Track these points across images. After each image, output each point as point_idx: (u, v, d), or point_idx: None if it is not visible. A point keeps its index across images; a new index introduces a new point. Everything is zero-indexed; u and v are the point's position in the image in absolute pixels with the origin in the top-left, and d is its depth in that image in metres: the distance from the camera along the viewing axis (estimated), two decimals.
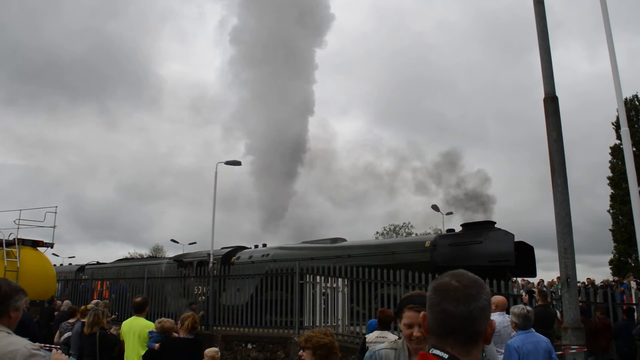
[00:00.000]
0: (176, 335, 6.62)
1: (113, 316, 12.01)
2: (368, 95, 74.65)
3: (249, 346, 13.92)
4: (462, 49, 72.48)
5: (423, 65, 74.39)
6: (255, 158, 29.62)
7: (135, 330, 6.91)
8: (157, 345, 6.54)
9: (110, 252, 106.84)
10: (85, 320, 7.90)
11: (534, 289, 18.35)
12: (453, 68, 73.46)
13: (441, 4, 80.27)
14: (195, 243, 43.68)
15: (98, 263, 29.95)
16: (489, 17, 76.32)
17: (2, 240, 15.50)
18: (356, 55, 72.66)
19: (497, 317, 7.14)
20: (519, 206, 67.64)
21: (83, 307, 8.82)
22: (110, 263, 28.74)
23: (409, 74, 74.16)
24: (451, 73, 73.66)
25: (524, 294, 16.60)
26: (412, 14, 76.65)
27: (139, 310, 7.17)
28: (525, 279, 18.68)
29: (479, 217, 17.84)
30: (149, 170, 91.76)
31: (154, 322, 7.49)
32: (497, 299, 7.50)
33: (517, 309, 5.07)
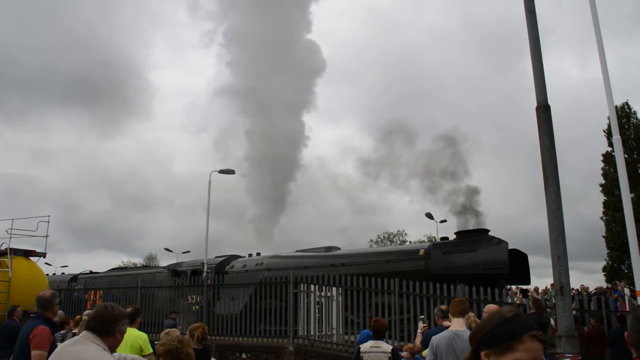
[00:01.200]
0: None
1: None
2: (360, 102, 74.85)
3: (243, 356, 13.85)
4: (453, 56, 72.86)
5: (415, 73, 74.61)
6: (250, 165, 29.58)
7: (127, 341, 6.83)
8: None
9: (103, 261, 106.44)
10: (75, 330, 7.83)
11: (527, 289, 18.38)
12: (445, 75, 73.78)
13: (432, 12, 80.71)
14: (189, 252, 43.62)
15: (91, 272, 29.75)
16: (479, 24, 76.84)
17: None
18: (348, 63, 72.92)
19: None
20: (512, 213, 67.87)
21: (78, 317, 8.75)
22: (103, 272, 28.56)
23: (401, 81, 74.39)
24: (443, 80, 73.99)
25: (518, 293, 16.60)
26: (404, 22, 77.03)
27: (130, 321, 7.10)
28: (519, 286, 18.69)
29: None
30: (142, 178, 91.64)
31: (146, 332, 7.43)
32: (489, 307, 7.50)
33: None
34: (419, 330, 8.44)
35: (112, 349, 3.12)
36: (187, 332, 6.39)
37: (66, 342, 3.15)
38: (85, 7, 75.27)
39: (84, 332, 3.06)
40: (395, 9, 73.76)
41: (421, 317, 9.17)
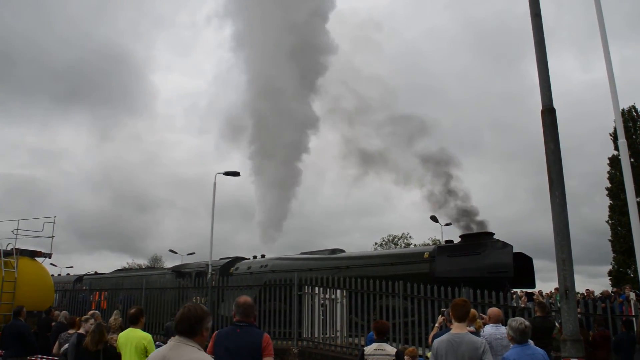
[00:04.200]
0: None
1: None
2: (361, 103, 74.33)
3: None
4: (453, 57, 72.57)
5: (414, 73, 74.09)
6: (255, 164, 29.39)
7: (132, 341, 6.87)
8: None
9: (107, 262, 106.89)
10: (81, 331, 7.85)
11: (532, 292, 18.31)
12: (445, 76, 73.44)
13: (431, 11, 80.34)
14: (193, 253, 43.78)
15: (96, 273, 29.88)
16: (478, 24, 76.57)
17: (0, 250, 15.46)
18: (349, 63, 72.44)
19: (489, 329, 7.15)
20: (516, 216, 67.65)
21: (77, 318, 8.78)
22: (108, 273, 28.67)
23: (402, 82, 73.97)
24: (443, 81, 73.63)
25: (523, 297, 16.56)
26: (403, 21, 76.70)
27: (134, 322, 7.13)
28: (524, 290, 18.65)
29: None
30: (146, 179, 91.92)
31: (151, 333, 7.45)
32: (491, 311, 7.52)
33: (514, 322, 5.03)
34: (436, 325, 8.46)
35: (202, 346, 3.32)
36: None
37: (160, 349, 3.29)
38: (86, 7, 75.79)
39: (175, 337, 3.25)
40: (395, 10, 73.45)
41: (442, 310, 9.16)
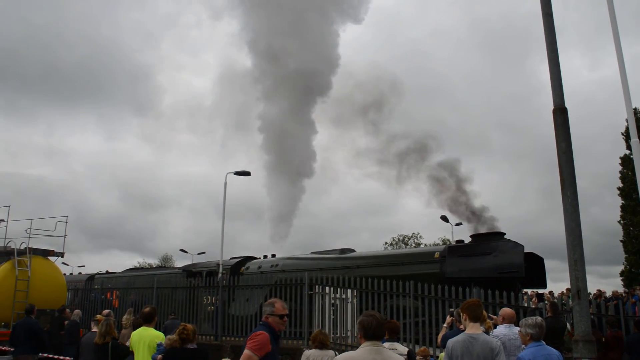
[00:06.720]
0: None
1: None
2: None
3: None
4: (458, 56, 72.05)
5: (420, 73, 73.70)
6: (267, 160, 29.35)
7: (145, 340, 6.94)
8: (159, 356, 6.59)
9: (117, 262, 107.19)
10: (95, 329, 7.95)
11: (543, 292, 18.22)
12: (451, 75, 72.96)
13: (436, 11, 79.85)
14: (204, 253, 43.97)
15: (107, 272, 30.06)
16: (484, 24, 76.03)
17: (13, 249, 15.64)
18: (352, 62, 72.31)
19: (502, 330, 7.13)
20: (525, 216, 67.20)
21: (99, 316, 8.90)
22: (120, 272, 28.84)
23: (407, 81, 73.50)
24: (449, 81, 73.14)
25: (534, 297, 16.51)
26: (408, 21, 76.28)
27: (148, 321, 7.20)
28: (535, 290, 18.57)
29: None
30: (155, 178, 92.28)
31: (163, 331, 7.53)
32: (504, 311, 7.50)
33: (530, 320, 5.05)
34: (444, 325, 8.46)
35: None
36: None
37: (362, 356, 3.41)
38: (92, 6, 76.26)
39: (368, 342, 3.48)
40: (400, 8, 73.07)
41: (450, 310, 9.14)
